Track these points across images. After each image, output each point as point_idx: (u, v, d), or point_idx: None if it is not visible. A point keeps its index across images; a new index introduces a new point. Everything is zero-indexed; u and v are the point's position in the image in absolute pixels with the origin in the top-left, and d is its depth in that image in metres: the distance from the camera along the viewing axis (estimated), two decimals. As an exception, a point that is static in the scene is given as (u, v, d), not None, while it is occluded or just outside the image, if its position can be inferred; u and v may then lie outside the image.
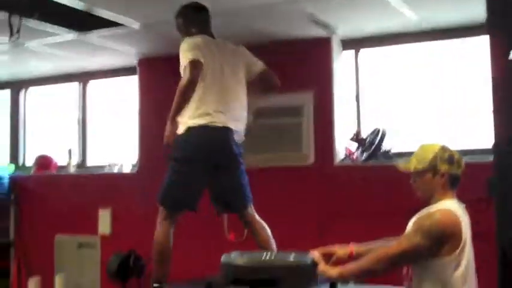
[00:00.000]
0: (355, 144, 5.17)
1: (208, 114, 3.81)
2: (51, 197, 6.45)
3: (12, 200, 6.62)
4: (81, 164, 6.57)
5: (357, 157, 5.15)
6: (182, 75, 3.78)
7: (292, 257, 3.04)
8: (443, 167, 2.76)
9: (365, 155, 5.06)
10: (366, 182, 4.97)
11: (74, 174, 6.44)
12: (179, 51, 3.87)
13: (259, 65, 4.13)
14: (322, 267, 2.93)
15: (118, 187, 6.12)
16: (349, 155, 5.20)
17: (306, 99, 5.25)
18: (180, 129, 3.83)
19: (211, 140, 3.86)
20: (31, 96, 7.08)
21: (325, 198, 5.12)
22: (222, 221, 5.44)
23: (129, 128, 6.21)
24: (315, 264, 2.96)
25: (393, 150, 5.01)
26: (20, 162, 7.04)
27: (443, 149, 2.81)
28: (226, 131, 3.89)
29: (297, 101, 5.28)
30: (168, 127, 3.81)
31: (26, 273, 6.40)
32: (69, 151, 6.46)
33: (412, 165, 2.82)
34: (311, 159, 5.21)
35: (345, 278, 2.93)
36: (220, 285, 3.13)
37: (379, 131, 5.03)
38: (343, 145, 5.24)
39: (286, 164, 5.30)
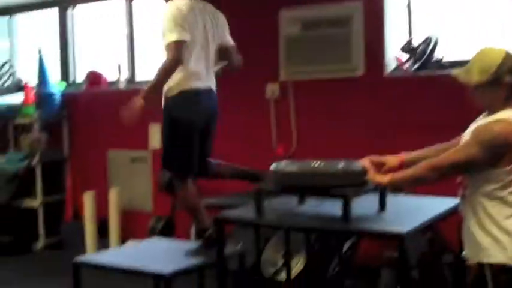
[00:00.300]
0: (407, 54, 5.03)
1: (199, 76, 3.75)
2: (102, 113, 6.52)
3: (65, 116, 6.74)
4: (131, 79, 6.60)
5: (408, 67, 5.01)
6: (165, 48, 3.63)
7: (342, 165, 3.01)
8: (507, 77, 2.55)
9: (417, 64, 4.92)
10: (417, 93, 4.88)
11: (125, 89, 6.47)
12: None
13: (230, 41, 4.02)
14: (372, 174, 2.90)
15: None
16: (400, 65, 5.07)
17: (355, 9, 5.11)
18: (173, 91, 3.74)
19: (205, 102, 3.82)
20: (79, 14, 7.07)
21: (375, 110, 5.06)
22: (271, 134, 5.47)
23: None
24: (364, 171, 2.93)
25: (446, 59, 4.86)
26: (71, 79, 7.11)
27: (508, 56, 2.57)
28: (213, 92, 3.88)
29: (346, 11, 5.15)
30: (140, 100, 3.58)
31: (81, 187, 6.57)
32: (119, 66, 6.49)
33: (474, 77, 2.59)
34: (361, 70, 5.12)
35: (395, 185, 2.86)
36: (270, 192, 3.14)
37: (431, 39, 4.87)
38: (394, 55, 5.11)
39: (335, 76, 5.22)
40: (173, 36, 3.59)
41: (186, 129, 3.75)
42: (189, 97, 3.73)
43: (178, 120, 3.75)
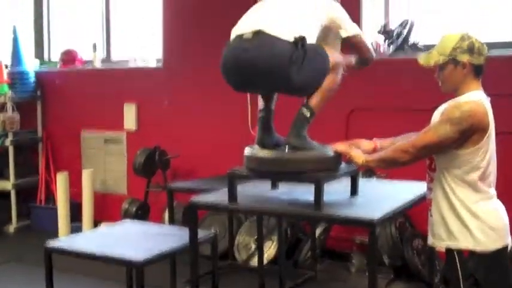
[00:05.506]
0: (383, 37, 5.01)
1: None
2: (77, 93, 6.44)
3: (39, 96, 6.63)
4: (106, 59, 6.51)
5: (384, 50, 5.00)
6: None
7: (314, 151, 2.98)
8: (464, 57, 2.61)
9: (392, 47, 4.92)
10: (393, 76, 4.85)
11: (100, 69, 6.39)
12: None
13: None
14: (352, 152, 2.88)
15: (143, 82, 6.07)
16: (376, 47, 5.04)
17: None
18: None
19: None
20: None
21: (350, 93, 5.01)
22: (247, 116, 5.43)
23: (154, 22, 6.12)
24: (337, 156, 2.92)
25: (421, 43, 4.85)
26: (45, 57, 7.00)
27: (462, 38, 2.64)
28: None
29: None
30: None
31: (54, 168, 6.49)
32: (94, 45, 6.39)
33: (432, 59, 2.67)
34: (337, 53, 5.07)
35: (369, 166, 2.91)
36: (243, 177, 3.11)
37: (407, 22, 4.87)
38: (370, 38, 5.06)
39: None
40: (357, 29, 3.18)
41: None
42: None
43: None
